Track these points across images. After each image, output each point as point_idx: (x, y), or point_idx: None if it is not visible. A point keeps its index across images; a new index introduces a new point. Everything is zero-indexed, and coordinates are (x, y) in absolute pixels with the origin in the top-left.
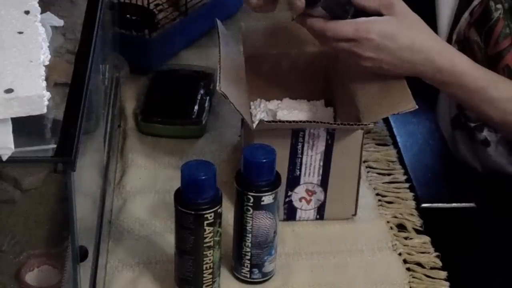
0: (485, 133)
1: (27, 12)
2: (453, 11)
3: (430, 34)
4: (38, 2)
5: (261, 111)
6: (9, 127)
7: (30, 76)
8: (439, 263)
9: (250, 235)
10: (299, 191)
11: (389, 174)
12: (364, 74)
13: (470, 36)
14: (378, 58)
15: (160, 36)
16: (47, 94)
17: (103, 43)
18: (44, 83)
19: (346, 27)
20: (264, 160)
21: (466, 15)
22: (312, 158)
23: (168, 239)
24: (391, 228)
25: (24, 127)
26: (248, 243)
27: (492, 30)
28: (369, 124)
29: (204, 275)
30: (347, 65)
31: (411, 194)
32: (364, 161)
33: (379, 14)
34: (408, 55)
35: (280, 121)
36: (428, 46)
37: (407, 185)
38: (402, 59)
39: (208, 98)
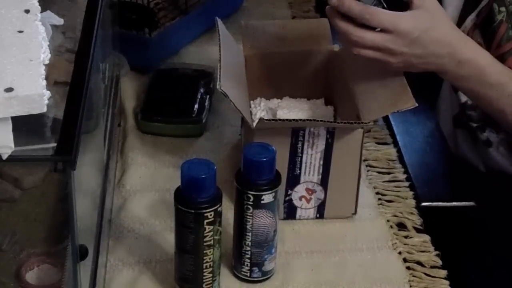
0: (487, 133)
1: (27, 11)
2: (458, 12)
3: (453, 27)
4: (38, 1)
5: (261, 109)
6: (9, 126)
7: (30, 75)
8: (439, 262)
9: (250, 234)
10: (299, 190)
11: (389, 173)
12: (364, 72)
13: (473, 37)
14: (410, 52)
15: (160, 34)
16: (47, 93)
17: (103, 42)
18: (44, 82)
19: (384, 15)
20: (264, 159)
21: (473, 16)
22: (312, 157)
23: (168, 238)
24: (391, 227)
25: (24, 126)
26: (248, 242)
27: (495, 33)
28: (369, 123)
29: (204, 274)
30: (347, 63)
31: (411, 192)
32: (364, 160)
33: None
34: (438, 48)
35: (280, 119)
36: (453, 39)
37: (407, 183)
38: (434, 53)
39: (208, 96)
